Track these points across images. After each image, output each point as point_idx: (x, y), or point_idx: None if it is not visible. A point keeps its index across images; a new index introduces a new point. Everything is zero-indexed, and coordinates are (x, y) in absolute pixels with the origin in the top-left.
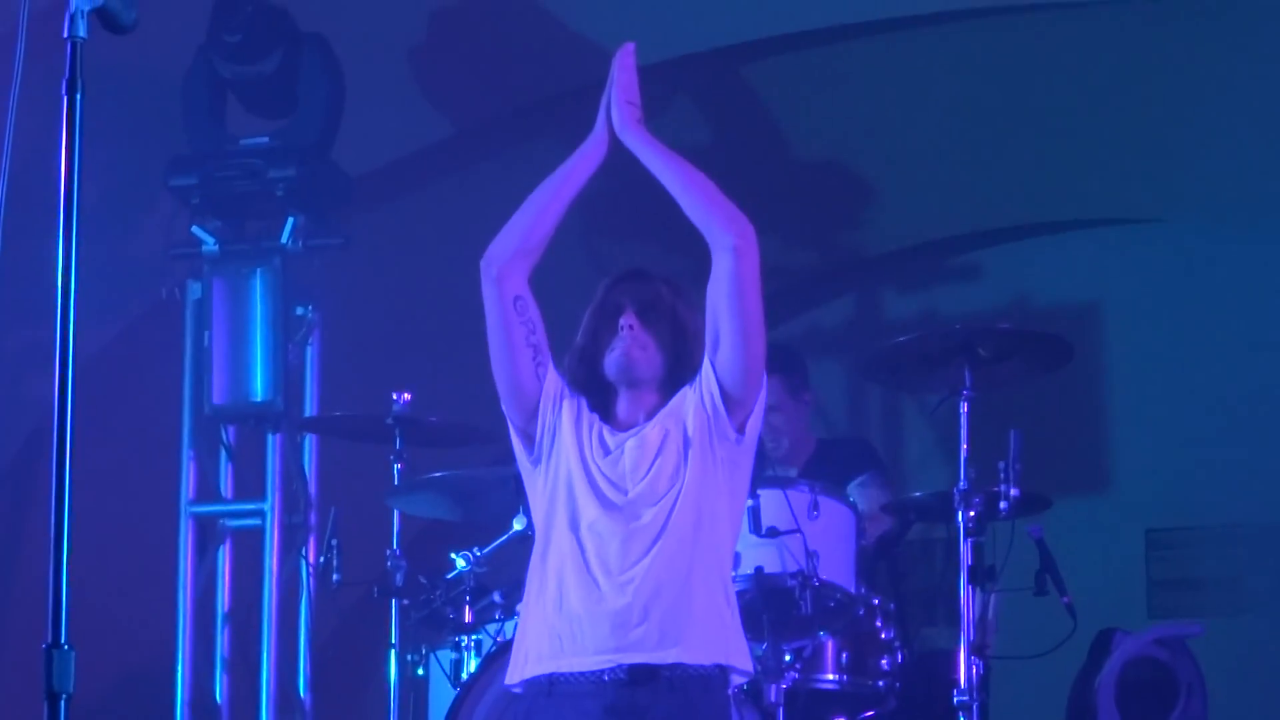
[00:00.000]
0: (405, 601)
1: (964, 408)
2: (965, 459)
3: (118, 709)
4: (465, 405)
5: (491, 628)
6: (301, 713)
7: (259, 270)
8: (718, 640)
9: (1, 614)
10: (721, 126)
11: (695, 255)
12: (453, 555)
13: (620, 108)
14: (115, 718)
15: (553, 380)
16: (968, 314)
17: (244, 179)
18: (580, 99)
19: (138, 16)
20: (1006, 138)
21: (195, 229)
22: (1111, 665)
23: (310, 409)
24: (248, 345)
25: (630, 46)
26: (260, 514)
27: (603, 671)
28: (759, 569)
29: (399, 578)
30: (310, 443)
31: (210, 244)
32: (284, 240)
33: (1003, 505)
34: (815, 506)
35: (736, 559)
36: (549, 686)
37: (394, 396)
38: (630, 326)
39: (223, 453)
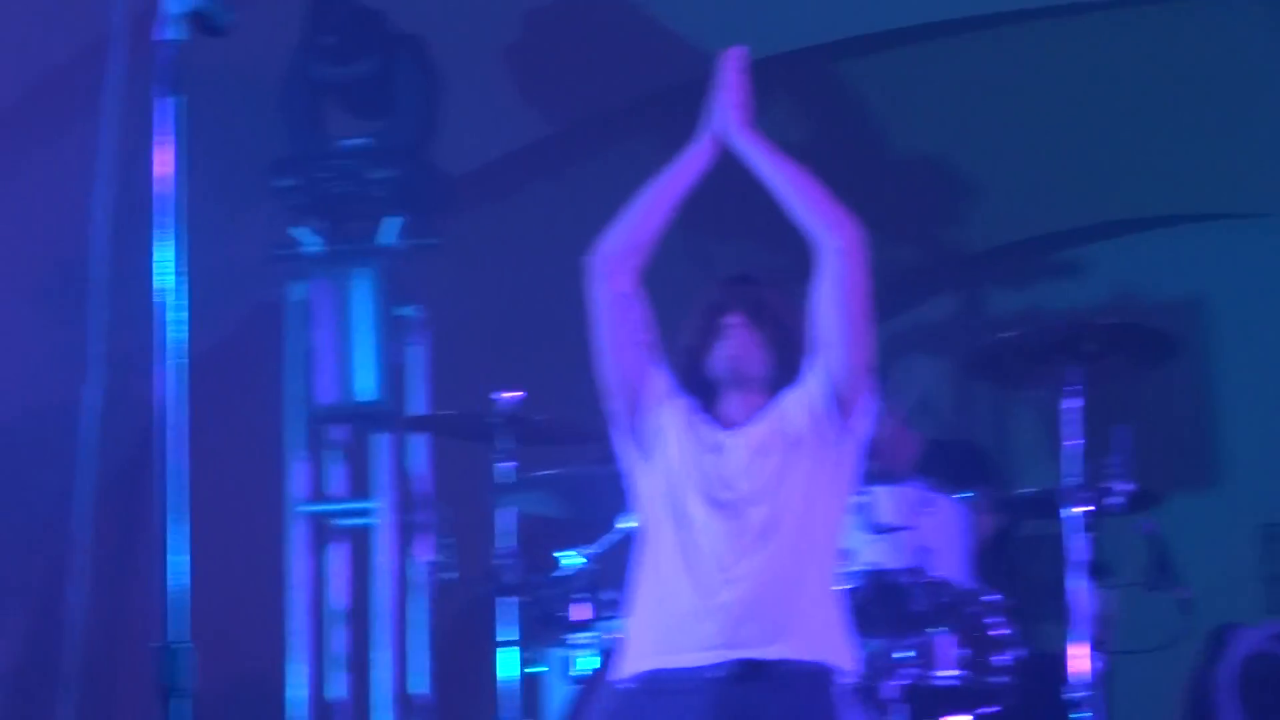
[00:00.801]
0: (518, 599)
1: (1070, 403)
2: (1073, 455)
3: (233, 708)
4: (573, 403)
5: (604, 625)
6: (416, 711)
7: (361, 271)
8: (824, 637)
9: (123, 616)
10: (821, 125)
11: (801, 254)
12: (563, 553)
13: (728, 111)
14: (233, 717)
15: (660, 378)
16: (1072, 309)
17: (344, 180)
18: (677, 97)
19: (234, 18)
20: (1111, 131)
21: (297, 230)
22: (1230, 660)
23: (418, 408)
24: (352, 345)
25: (739, 50)
26: (370, 513)
27: (710, 668)
28: (872, 566)
29: (511, 576)
30: (420, 442)
31: (312, 245)
32: (385, 240)
33: (1114, 500)
34: (927, 503)
35: (848, 556)
36: (656, 683)
37: (501, 395)
38: (737, 326)
39: (332, 453)
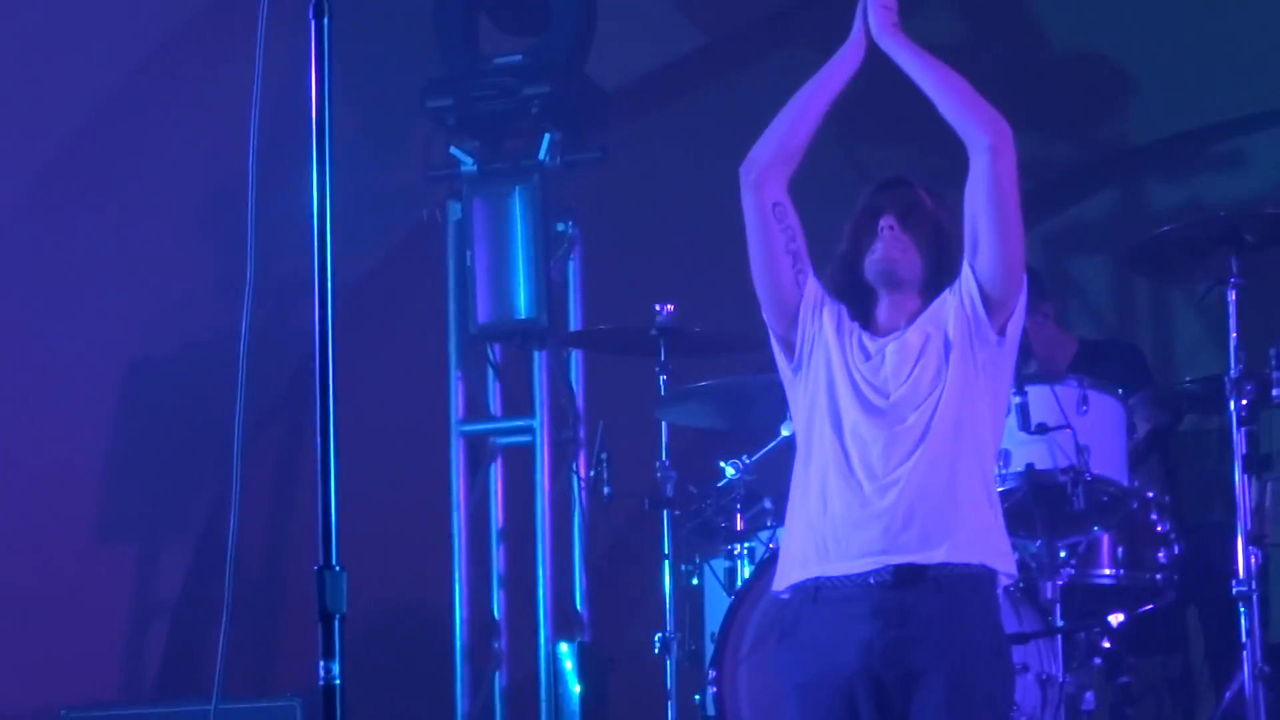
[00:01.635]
0: (677, 512)
1: (1232, 295)
2: (1235, 347)
3: (397, 629)
4: (728, 314)
5: (763, 535)
6: (579, 626)
7: (518, 188)
8: (982, 540)
9: (286, 541)
10: (976, 23)
11: (953, 156)
12: (722, 464)
13: (876, 12)
14: (395, 637)
15: (813, 287)
16: (1233, 201)
17: (499, 98)
18: (830, 2)
19: None
20: (1271, 20)
21: (453, 150)
22: None
23: (574, 324)
24: (510, 263)
25: None
26: (529, 430)
27: (869, 574)
28: (1030, 466)
29: (669, 488)
30: (576, 358)
31: (468, 164)
32: (541, 157)
33: (1276, 392)
34: (1084, 401)
35: (1007, 456)
36: (815, 591)
37: (657, 308)
38: (890, 228)
39: (490, 371)
